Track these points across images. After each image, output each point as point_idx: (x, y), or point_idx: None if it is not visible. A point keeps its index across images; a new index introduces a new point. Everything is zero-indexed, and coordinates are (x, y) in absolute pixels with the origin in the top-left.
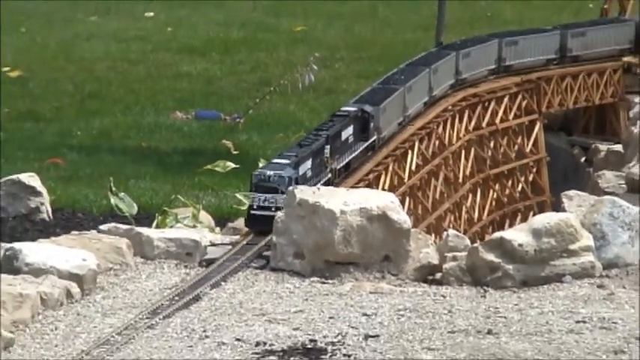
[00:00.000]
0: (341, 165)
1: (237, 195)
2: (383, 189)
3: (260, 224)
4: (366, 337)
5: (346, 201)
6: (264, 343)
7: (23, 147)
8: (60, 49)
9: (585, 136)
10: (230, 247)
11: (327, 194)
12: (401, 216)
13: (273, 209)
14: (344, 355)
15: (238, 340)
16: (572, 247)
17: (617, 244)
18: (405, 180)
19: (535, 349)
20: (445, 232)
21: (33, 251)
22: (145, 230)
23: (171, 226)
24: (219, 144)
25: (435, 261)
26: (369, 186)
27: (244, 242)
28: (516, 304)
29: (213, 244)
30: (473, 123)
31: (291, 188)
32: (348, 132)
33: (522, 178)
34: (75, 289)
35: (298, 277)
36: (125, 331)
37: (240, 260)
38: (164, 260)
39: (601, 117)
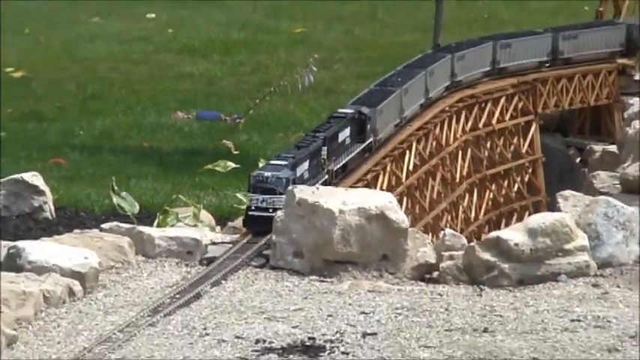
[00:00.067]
0: (338, 166)
1: (238, 194)
2: (381, 189)
3: (258, 225)
4: (364, 334)
5: (345, 201)
6: (264, 341)
7: (26, 147)
8: (63, 50)
9: (580, 137)
10: (230, 245)
11: (326, 194)
12: (399, 215)
13: (270, 210)
14: (342, 352)
15: (238, 337)
16: (567, 246)
17: (611, 244)
18: (403, 180)
19: (530, 347)
20: (442, 232)
21: (36, 249)
22: (146, 229)
23: (172, 225)
24: (219, 144)
25: (432, 260)
26: (367, 186)
27: (244, 241)
28: (512, 303)
29: (213, 243)
30: (469, 124)
31: (290, 188)
32: (345, 134)
33: (518, 179)
34: (77, 287)
35: (297, 275)
36: (126, 328)
37: (240, 259)
38: (165, 259)
39: (596, 118)
